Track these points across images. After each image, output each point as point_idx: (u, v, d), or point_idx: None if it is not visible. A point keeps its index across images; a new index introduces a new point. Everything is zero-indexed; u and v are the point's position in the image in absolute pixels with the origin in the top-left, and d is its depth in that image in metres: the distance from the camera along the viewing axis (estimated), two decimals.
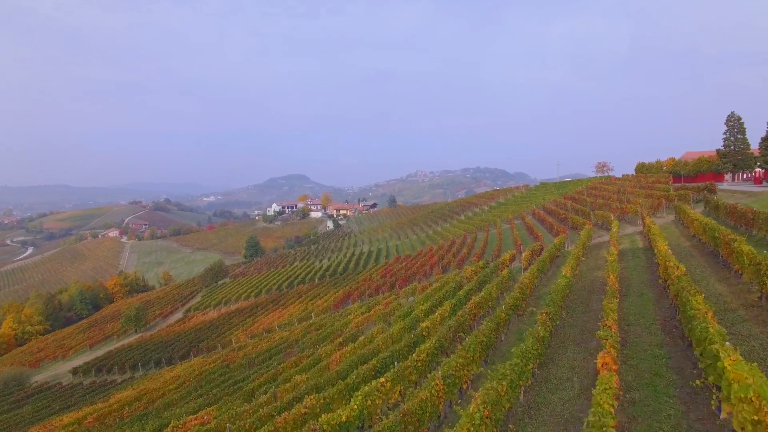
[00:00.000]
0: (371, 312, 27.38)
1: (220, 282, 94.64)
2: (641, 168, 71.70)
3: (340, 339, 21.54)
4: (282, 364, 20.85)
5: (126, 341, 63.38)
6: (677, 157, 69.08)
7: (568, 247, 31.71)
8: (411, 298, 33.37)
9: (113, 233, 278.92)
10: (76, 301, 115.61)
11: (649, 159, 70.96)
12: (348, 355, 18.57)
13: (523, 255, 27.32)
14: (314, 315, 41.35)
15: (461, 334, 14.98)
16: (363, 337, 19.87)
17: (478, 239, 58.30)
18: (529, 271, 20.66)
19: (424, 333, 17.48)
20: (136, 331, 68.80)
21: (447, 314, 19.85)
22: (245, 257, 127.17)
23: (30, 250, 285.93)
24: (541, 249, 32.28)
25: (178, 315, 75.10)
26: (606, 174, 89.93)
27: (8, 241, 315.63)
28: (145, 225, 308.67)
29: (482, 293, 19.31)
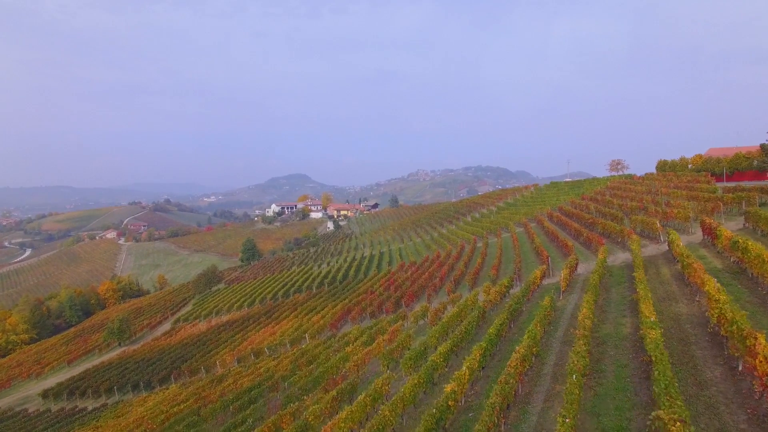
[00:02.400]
0: (374, 345, 22.26)
1: (213, 288, 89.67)
2: (663, 166, 66.31)
3: (334, 392, 16.40)
4: (258, 429, 15.74)
5: (107, 357, 58.39)
6: (694, 155, 63.69)
7: (609, 260, 26.48)
8: (422, 322, 28.25)
9: (111, 235, 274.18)
10: (65, 307, 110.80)
11: (656, 157, 65.75)
12: (342, 425, 13.43)
13: (561, 275, 22.08)
14: (308, 336, 36.23)
15: None
16: (364, 394, 14.74)
17: (491, 245, 53.09)
18: (584, 304, 15.45)
19: (450, 402, 12.33)
20: (119, 344, 63.80)
21: (477, 365, 14.70)
22: (241, 261, 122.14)
23: (28, 252, 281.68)
24: (577, 263, 27.11)
25: (167, 326, 70.09)
26: (621, 172, 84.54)
27: (6, 243, 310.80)
28: (144, 226, 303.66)
29: (526, 339, 14.13)
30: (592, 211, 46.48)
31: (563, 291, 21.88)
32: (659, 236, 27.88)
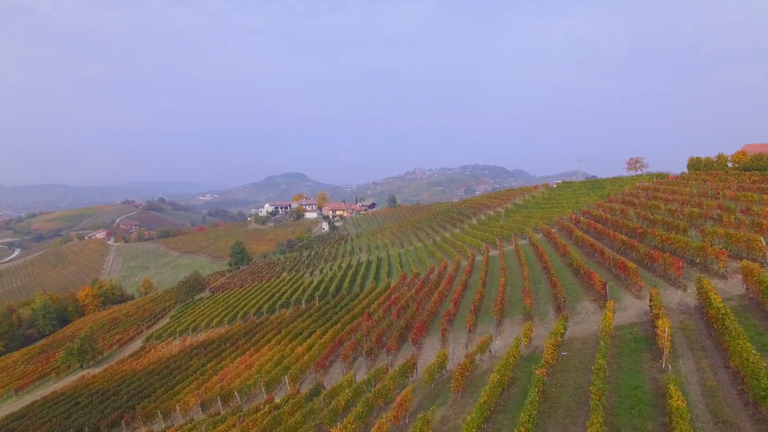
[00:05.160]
0: (374, 430, 14.61)
1: (196, 297, 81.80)
2: (696, 164, 59.04)
3: None
4: None
5: (62, 384, 50.48)
6: (734, 152, 56.31)
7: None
8: (438, 375, 20.55)
9: (100, 235, 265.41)
10: (38, 315, 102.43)
11: (659, 155, 58.72)
12: None
13: (662, 329, 14.35)
14: (288, 378, 28.49)
15: None
16: None
17: (508, 255, 45.48)
18: None
19: None
20: (81, 366, 55.88)
21: None
22: (230, 265, 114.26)
23: (16, 252, 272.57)
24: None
25: (138, 343, 62.22)
26: (639, 172, 77.09)
27: None
28: (136, 225, 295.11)
29: None
30: (632, 217, 38.88)
31: (667, 362, 14.14)
32: (764, 257, 20.31)
